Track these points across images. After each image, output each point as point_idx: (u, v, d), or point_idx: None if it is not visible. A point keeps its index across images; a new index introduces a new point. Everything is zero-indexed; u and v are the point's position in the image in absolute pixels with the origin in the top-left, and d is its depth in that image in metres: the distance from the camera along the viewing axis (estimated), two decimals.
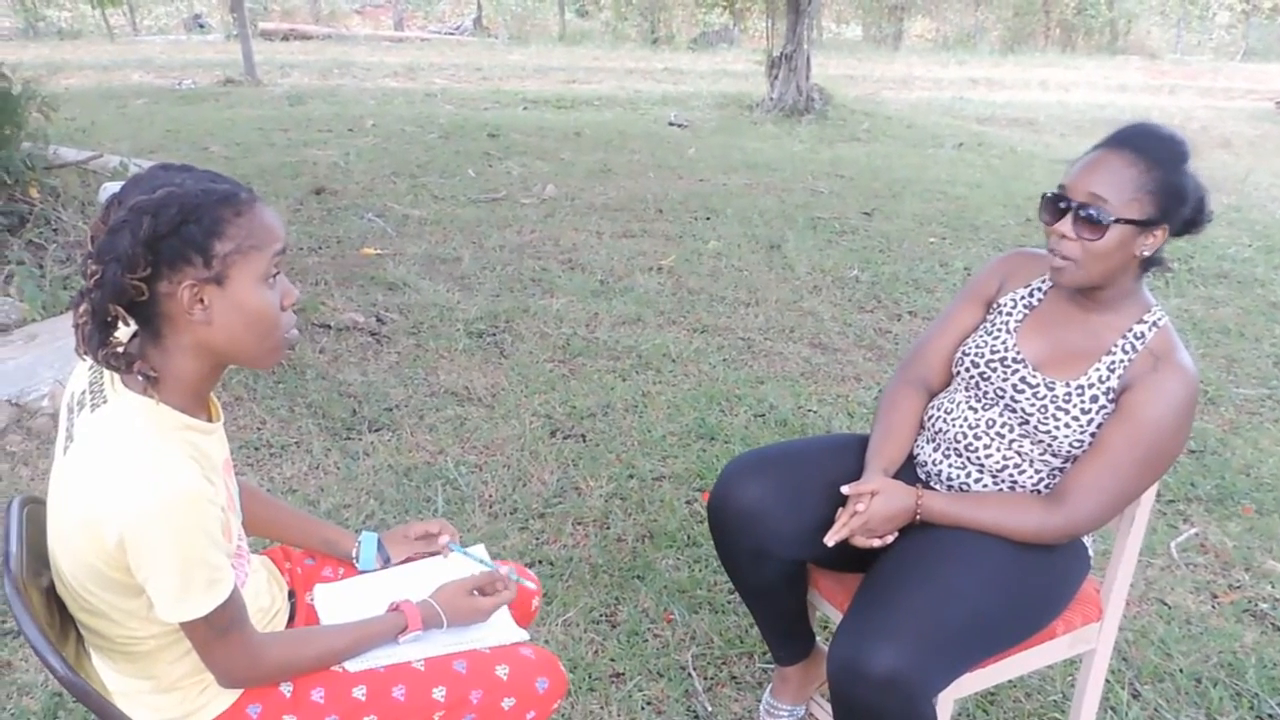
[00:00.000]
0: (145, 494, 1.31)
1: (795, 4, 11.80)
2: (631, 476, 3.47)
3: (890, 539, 1.89)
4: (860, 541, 1.88)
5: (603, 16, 25.13)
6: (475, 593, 1.74)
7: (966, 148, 10.26)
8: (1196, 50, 24.52)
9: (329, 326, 4.60)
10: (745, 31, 22.27)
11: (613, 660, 2.59)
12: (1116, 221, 1.76)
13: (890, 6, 24.69)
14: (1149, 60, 21.92)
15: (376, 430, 3.72)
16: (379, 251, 5.77)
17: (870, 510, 1.87)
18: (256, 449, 3.54)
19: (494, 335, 4.65)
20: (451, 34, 23.39)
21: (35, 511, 1.54)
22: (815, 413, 3.98)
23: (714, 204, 7.23)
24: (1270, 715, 2.48)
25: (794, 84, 11.94)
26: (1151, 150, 1.78)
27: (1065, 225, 1.81)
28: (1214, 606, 2.90)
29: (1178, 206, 1.80)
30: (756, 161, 8.89)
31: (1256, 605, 2.90)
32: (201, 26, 22.76)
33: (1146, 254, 1.83)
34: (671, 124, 11.16)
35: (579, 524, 3.19)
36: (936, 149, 10.16)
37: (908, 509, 1.89)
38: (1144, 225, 1.78)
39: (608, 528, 3.17)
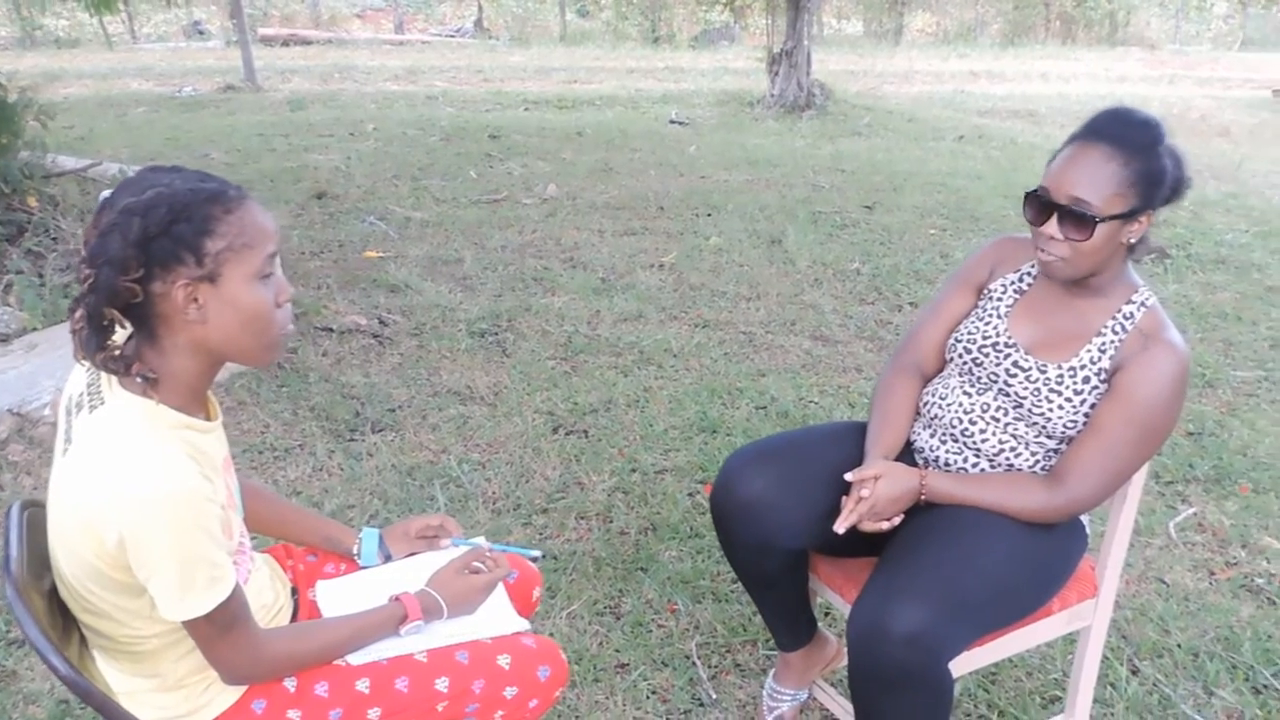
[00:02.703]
0: (144, 493, 1.32)
1: (795, 0, 11.79)
2: (634, 470, 3.49)
3: (897, 521, 1.91)
4: (868, 526, 1.89)
5: (604, 16, 25.10)
6: (467, 571, 1.76)
7: (967, 140, 10.25)
8: (1195, 41, 24.45)
9: (331, 330, 4.62)
10: (746, 29, 22.24)
11: (617, 651, 2.61)
12: (1102, 221, 1.78)
13: (891, 1, 24.65)
14: (1148, 51, 21.86)
15: (379, 431, 3.74)
16: (381, 254, 5.79)
17: (875, 493, 1.88)
18: (260, 452, 3.56)
19: (496, 334, 4.68)
20: (452, 36, 23.39)
21: (36, 514, 1.56)
22: (817, 404, 4.00)
23: (715, 200, 7.24)
24: (1265, 686, 2.52)
25: (795, 80, 11.93)
26: (1128, 140, 1.78)
27: (1051, 226, 1.83)
28: (1211, 583, 2.92)
29: (1158, 190, 1.81)
30: (758, 158, 8.90)
31: (1253, 580, 2.93)
32: (201, 33, 22.77)
33: (1133, 240, 1.85)
34: (673, 122, 11.17)
35: (582, 518, 3.21)
36: (937, 142, 10.15)
37: (912, 489, 1.91)
38: (1128, 216, 1.80)
39: (610, 521, 3.20)
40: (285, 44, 20.10)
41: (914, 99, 13.84)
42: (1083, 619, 2.07)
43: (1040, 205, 1.85)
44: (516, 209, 6.97)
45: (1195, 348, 4.57)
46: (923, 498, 1.92)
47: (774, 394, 4.06)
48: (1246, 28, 24.49)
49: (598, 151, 9.11)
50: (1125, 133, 1.79)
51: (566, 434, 3.75)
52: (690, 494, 3.34)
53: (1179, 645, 2.64)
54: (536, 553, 1.97)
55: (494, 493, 3.34)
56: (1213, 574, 2.97)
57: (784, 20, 12.33)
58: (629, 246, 6.08)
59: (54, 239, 4.71)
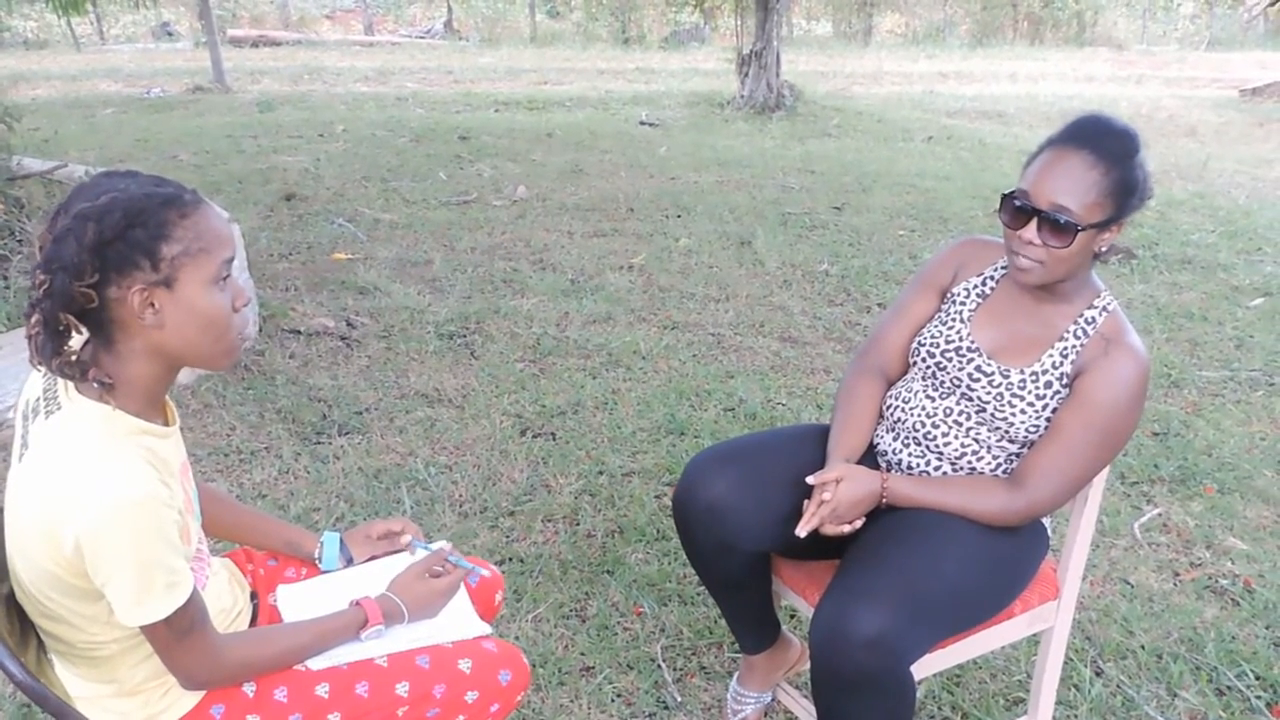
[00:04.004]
0: (101, 499, 1.32)
1: (764, 1, 11.83)
2: (601, 473, 3.49)
3: (858, 524, 1.91)
4: (830, 529, 1.90)
5: (574, 17, 25.08)
6: (428, 575, 1.76)
7: (936, 141, 10.32)
8: (1162, 41, 24.67)
9: (299, 332, 4.60)
10: (716, 30, 22.31)
11: (583, 654, 2.61)
12: (1083, 229, 1.78)
13: (860, 2, 24.73)
14: (1116, 51, 22.06)
15: (346, 434, 3.73)
16: (349, 256, 5.77)
17: (837, 497, 1.88)
18: (226, 455, 3.53)
19: (464, 336, 4.67)
20: (422, 37, 23.30)
21: None
22: (784, 405, 4.01)
23: (685, 202, 7.25)
24: (1229, 687, 2.53)
25: (764, 81, 11.97)
26: (1109, 149, 1.79)
27: (1030, 231, 1.82)
28: (1175, 584, 2.95)
29: (1131, 201, 1.82)
30: (727, 159, 8.92)
31: (1217, 581, 2.95)
32: (170, 34, 22.60)
33: (1104, 249, 1.86)
34: (643, 123, 11.18)
35: (549, 521, 3.21)
36: (906, 143, 10.21)
37: (874, 493, 1.91)
38: (1104, 225, 1.81)
39: (577, 524, 3.19)
40: (254, 45, 19.99)
41: (883, 100, 13.91)
42: (1044, 621, 2.08)
43: (1018, 210, 1.84)
44: (486, 210, 6.96)
45: (1161, 348, 4.61)
46: (884, 501, 1.92)
47: (742, 395, 4.07)
48: (1213, 27, 24.74)
49: (568, 153, 9.11)
50: (1106, 141, 1.80)
51: (534, 436, 3.74)
52: (657, 496, 3.35)
53: (1143, 647, 2.66)
54: (485, 572, 1.95)
55: (461, 495, 3.33)
56: (1177, 575, 2.99)
57: (753, 21, 12.37)
58: (598, 248, 6.08)
59: (19, 241, 4.65)
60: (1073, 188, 1.78)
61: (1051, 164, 1.81)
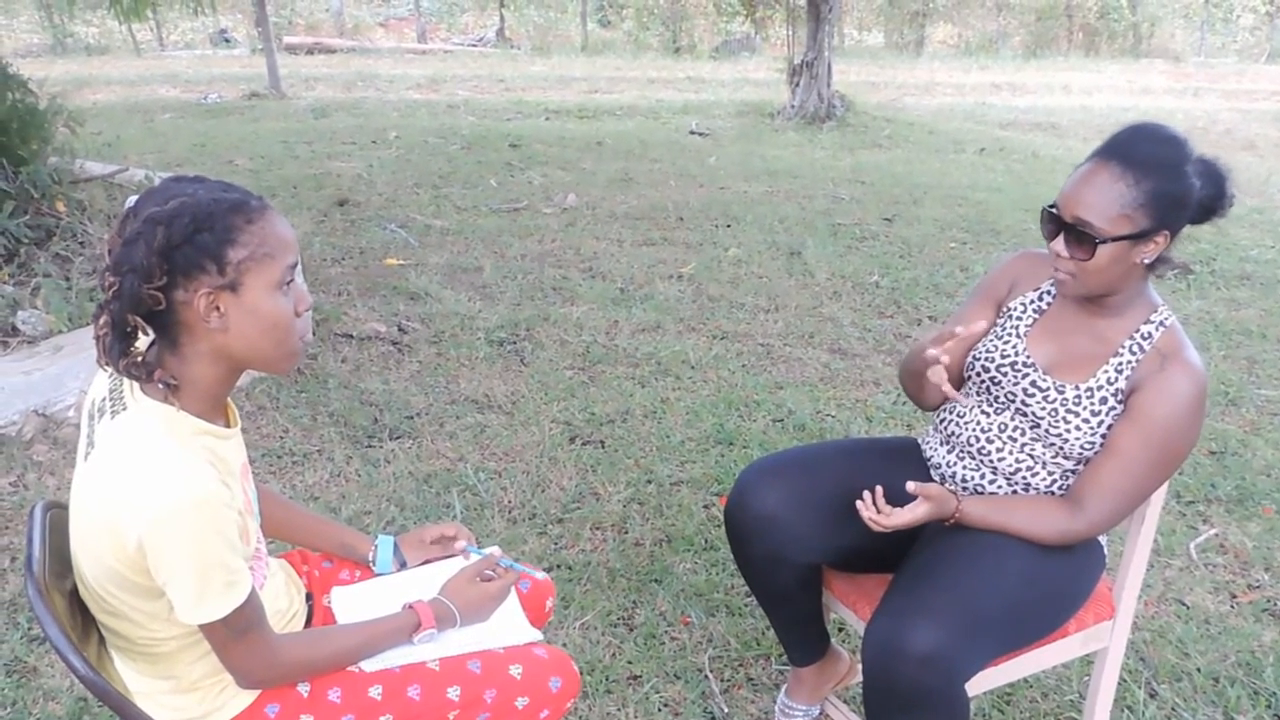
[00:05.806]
0: (164, 498, 1.34)
1: (816, 11, 11.78)
2: (650, 482, 3.49)
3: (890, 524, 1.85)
4: (877, 524, 1.85)
5: (625, 27, 25.12)
6: (480, 579, 1.78)
7: (988, 153, 10.22)
8: (1220, 53, 24.24)
9: (351, 336, 4.64)
10: (766, 40, 22.25)
11: (630, 663, 2.61)
12: (1103, 242, 1.76)
13: (912, 13, 24.57)
14: (1173, 63, 21.71)
15: (397, 438, 3.76)
16: (401, 262, 5.82)
17: (916, 515, 1.84)
18: (279, 457, 3.58)
19: (514, 343, 4.69)
20: (474, 46, 23.44)
21: (58, 516, 1.58)
22: (834, 417, 3.99)
23: (735, 211, 7.24)
24: None
25: (815, 91, 11.92)
26: (1142, 160, 1.75)
27: (1059, 244, 1.82)
28: (1233, 606, 2.89)
29: (1176, 212, 1.78)
30: (777, 169, 8.90)
31: (1276, 605, 2.90)
32: (227, 41, 22.92)
33: (1148, 260, 1.82)
34: (693, 133, 11.17)
35: (597, 529, 3.22)
36: (958, 154, 10.12)
37: (945, 516, 1.89)
38: (1138, 238, 1.78)
39: (626, 532, 3.20)
40: (309, 52, 20.20)
41: (935, 111, 13.81)
42: (1099, 641, 2.06)
43: (1051, 222, 1.84)
44: (536, 218, 6.99)
45: (1218, 365, 4.54)
46: (949, 523, 1.90)
47: (791, 407, 4.06)
48: (1274, 39, 24.27)
49: (618, 161, 9.13)
50: (1140, 152, 1.76)
51: (583, 444, 3.75)
52: (706, 506, 3.34)
53: (1199, 669, 2.62)
54: (542, 574, 1.96)
55: (510, 502, 3.35)
56: (1234, 597, 2.94)
57: (804, 31, 12.31)
58: (648, 257, 6.09)
59: (81, 243, 4.75)
60: (1096, 200, 1.76)
61: (1083, 177, 1.80)
